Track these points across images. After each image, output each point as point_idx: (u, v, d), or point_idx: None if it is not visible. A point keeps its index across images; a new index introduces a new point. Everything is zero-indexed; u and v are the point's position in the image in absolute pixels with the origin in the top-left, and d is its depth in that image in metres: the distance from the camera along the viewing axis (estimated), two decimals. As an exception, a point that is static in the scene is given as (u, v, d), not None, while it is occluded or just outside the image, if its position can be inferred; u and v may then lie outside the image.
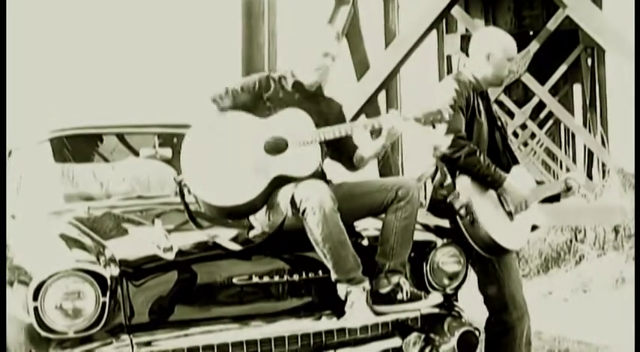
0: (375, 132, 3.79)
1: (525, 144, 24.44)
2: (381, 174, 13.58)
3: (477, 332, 3.83)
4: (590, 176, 21.59)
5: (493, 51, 4.08)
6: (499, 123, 4.24)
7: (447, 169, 3.96)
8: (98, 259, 3.33)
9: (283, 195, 3.63)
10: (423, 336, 3.75)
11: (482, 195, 3.93)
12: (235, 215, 3.73)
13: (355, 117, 9.02)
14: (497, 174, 3.95)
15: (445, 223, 3.97)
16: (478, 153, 3.92)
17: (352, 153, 3.96)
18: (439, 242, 3.90)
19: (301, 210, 3.50)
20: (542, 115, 23.88)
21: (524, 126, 22.22)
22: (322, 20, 11.29)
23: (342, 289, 3.54)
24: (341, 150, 3.95)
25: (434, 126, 3.83)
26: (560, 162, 25.35)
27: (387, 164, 13.65)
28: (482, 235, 3.84)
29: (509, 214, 3.96)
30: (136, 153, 4.84)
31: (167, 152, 4.73)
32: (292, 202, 3.55)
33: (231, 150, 3.68)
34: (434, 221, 4.03)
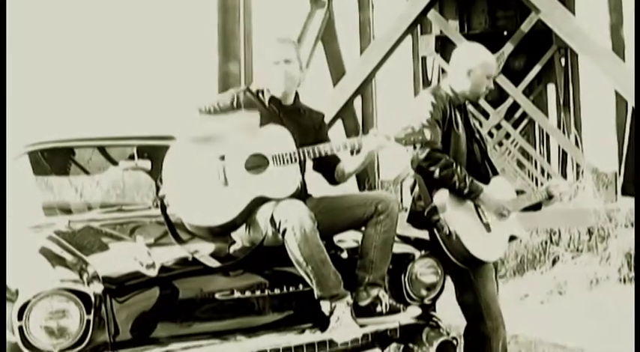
0: (356, 152, 3.83)
1: (500, 144, 24.60)
2: (357, 177, 13.68)
3: (454, 342, 3.89)
4: (564, 175, 21.83)
5: (474, 67, 4.13)
6: (477, 135, 4.31)
7: (424, 182, 4.02)
8: (81, 276, 3.35)
9: (263, 214, 3.66)
10: (402, 347, 3.81)
11: (459, 206, 4.00)
12: (216, 233, 3.75)
13: (332, 123, 9.07)
14: (475, 185, 4.02)
15: (424, 235, 4.03)
16: (454, 166, 3.98)
17: (334, 167, 3.97)
18: (417, 254, 3.96)
19: (281, 231, 3.54)
20: (516, 115, 24.03)
21: (498, 127, 22.34)
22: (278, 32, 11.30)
23: (325, 306, 3.58)
24: (323, 164, 3.97)
25: (415, 147, 3.88)
26: (535, 162, 25.55)
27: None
28: (458, 247, 3.91)
29: (487, 226, 4.03)
30: (115, 163, 4.87)
31: (146, 164, 4.76)
32: (272, 222, 3.59)
33: (211, 167, 3.69)
34: (413, 233, 4.09)
